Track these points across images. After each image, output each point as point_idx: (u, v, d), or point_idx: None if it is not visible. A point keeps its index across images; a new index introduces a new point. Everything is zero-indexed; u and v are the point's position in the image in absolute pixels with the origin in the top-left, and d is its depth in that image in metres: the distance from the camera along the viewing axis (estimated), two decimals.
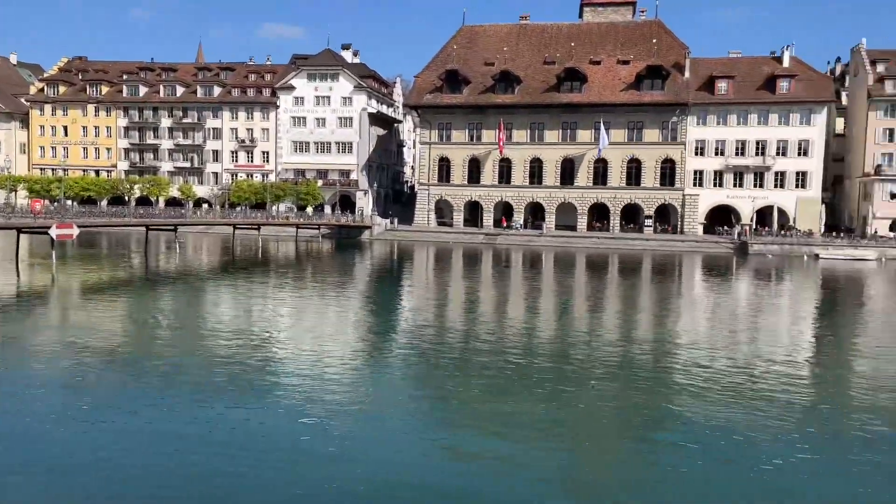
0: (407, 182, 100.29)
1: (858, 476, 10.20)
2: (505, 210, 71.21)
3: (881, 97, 66.33)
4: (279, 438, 11.21)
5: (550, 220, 69.22)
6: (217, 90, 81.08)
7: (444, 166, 72.25)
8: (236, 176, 79.95)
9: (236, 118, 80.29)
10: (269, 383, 14.53)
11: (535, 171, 70.33)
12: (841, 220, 69.88)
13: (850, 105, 72.79)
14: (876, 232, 63.18)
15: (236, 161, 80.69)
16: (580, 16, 76.61)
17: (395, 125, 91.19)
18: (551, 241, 63.94)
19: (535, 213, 71.10)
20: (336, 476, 9.80)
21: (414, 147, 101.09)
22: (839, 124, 74.61)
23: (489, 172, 70.90)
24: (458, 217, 71.71)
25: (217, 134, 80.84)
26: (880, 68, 67.82)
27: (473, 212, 72.10)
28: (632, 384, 15.35)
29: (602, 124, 66.80)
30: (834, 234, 63.56)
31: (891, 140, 66.44)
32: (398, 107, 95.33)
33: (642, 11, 74.75)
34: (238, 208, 72.53)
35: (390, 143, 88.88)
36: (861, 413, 13.48)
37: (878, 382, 16.32)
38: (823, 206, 65.94)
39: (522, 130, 70.23)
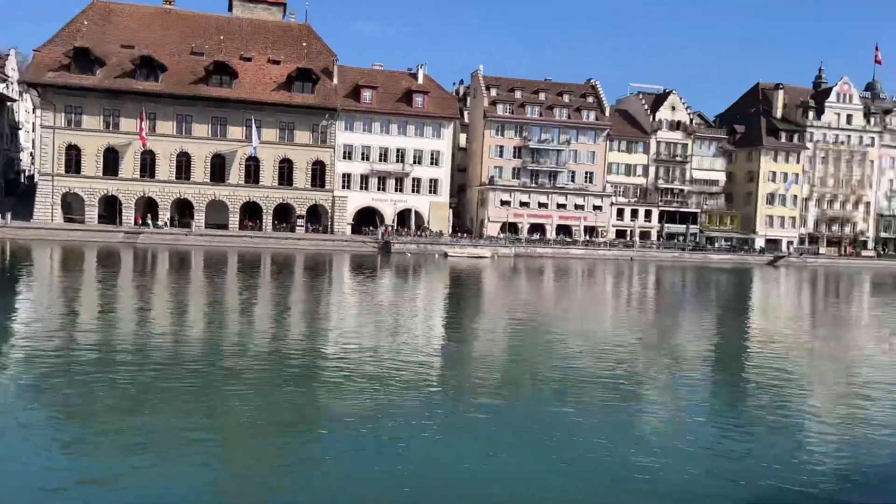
0: (24, 171, 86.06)
1: (480, 444, 11.98)
2: (148, 206, 65.75)
3: (494, 118, 78.14)
4: None
5: (200, 219, 66.08)
6: None
7: (74, 155, 63.83)
8: None
9: None
10: None
11: (183, 166, 66.48)
12: (464, 222, 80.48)
13: (470, 123, 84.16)
14: (498, 233, 74.13)
15: None
16: (230, 9, 74.67)
17: (9, 104, 77.53)
18: (201, 241, 61.07)
19: (183, 210, 67.16)
20: None
21: (34, 131, 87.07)
22: (463, 139, 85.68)
23: (129, 165, 64.79)
24: (92, 213, 64.00)
25: None
26: (494, 93, 79.83)
27: (110, 208, 65.05)
28: (278, 383, 15.55)
29: (254, 122, 66.09)
30: (459, 234, 72.95)
31: (501, 155, 78.67)
32: (13, 83, 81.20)
33: (292, 14, 75.91)
34: None
35: (1, 125, 75.25)
36: (481, 388, 15.82)
37: (494, 360, 19.33)
38: (451, 210, 75.21)
39: (168, 122, 65.72)
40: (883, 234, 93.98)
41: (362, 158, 71.53)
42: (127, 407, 13.10)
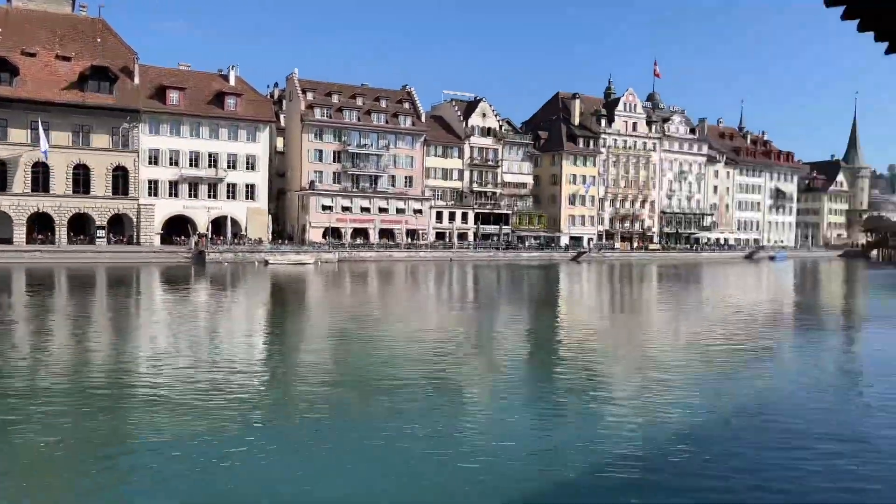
0: None
1: (303, 455, 11.93)
2: None
3: (312, 122, 77.22)
4: None
5: None
6: None
7: None
8: None
9: None
10: None
11: None
12: (285, 228, 78.64)
13: (287, 126, 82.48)
14: (320, 238, 73.15)
15: None
16: None
17: None
18: None
19: None
20: None
21: None
22: (280, 143, 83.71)
23: None
24: None
25: None
26: (310, 96, 78.86)
27: None
28: (79, 411, 14.37)
29: (41, 124, 59.66)
30: (280, 241, 71.18)
31: (320, 160, 77.95)
32: None
33: (83, 7, 69.58)
34: None
35: None
36: (302, 401, 15.70)
37: (317, 369, 19.22)
38: (270, 216, 73.16)
39: None
40: (666, 230, 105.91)
41: (171, 163, 67.32)
42: None
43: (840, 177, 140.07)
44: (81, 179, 63.07)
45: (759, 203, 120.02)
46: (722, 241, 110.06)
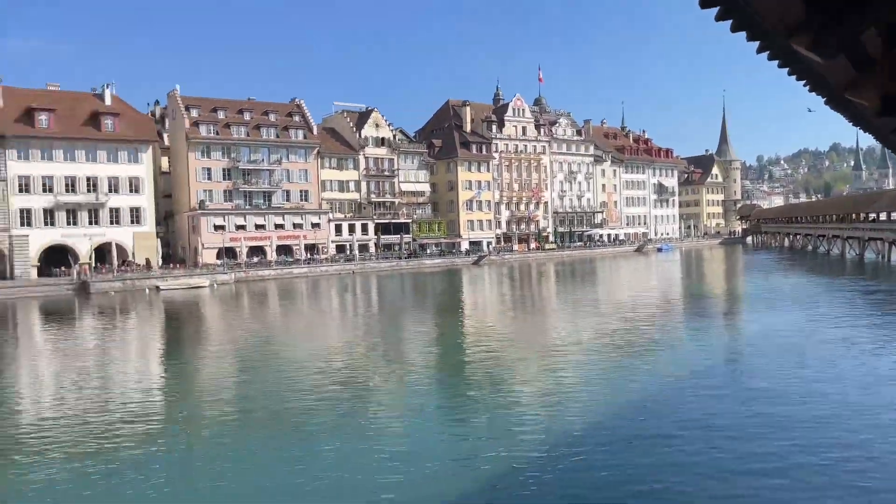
0: None
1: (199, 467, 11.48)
2: None
3: (197, 139, 74.41)
4: None
5: None
6: None
7: None
8: None
9: None
10: None
11: None
12: (175, 252, 75.29)
13: (172, 145, 79.07)
14: (215, 260, 70.41)
15: None
16: None
17: None
18: None
19: None
20: None
21: None
22: (165, 163, 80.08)
23: None
24: None
25: None
26: (195, 113, 76.02)
27: None
28: None
29: None
30: (171, 265, 68.03)
31: (209, 178, 75.23)
32: None
33: None
34: None
35: None
36: (202, 432, 15.10)
37: (215, 397, 18.52)
38: (159, 239, 69.80)
39: None
40: (560, 229, 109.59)
41: (44, 190, 62.89)
42: None
43: (714, 169, 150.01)
44: None
45: (644, 198, 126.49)
46: (613, 237, 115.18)
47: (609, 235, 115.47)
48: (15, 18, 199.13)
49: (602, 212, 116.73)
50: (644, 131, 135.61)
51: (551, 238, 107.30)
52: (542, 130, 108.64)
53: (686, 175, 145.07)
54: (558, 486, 10.81)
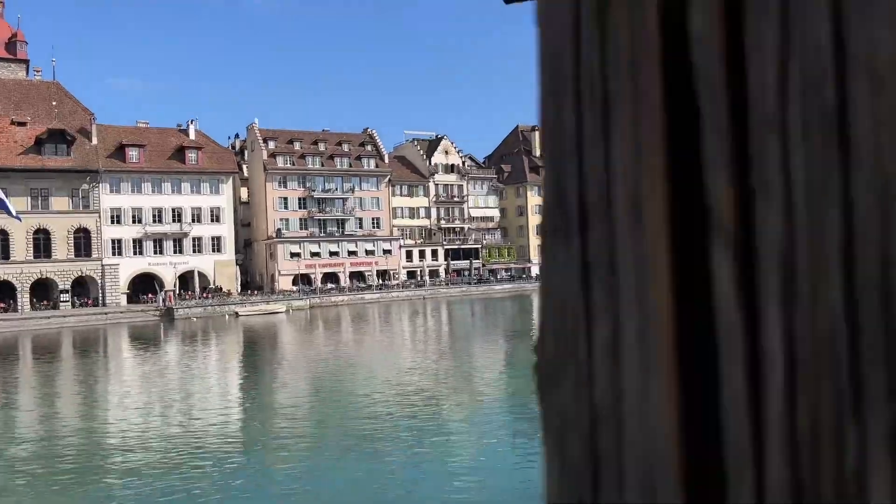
0: None
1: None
2: None
3: (275, 170, 77.18)
4: None
5: None
6: None
7: None
8: None
9: None
10: None
11: None
12: (253, 279, 77.88)
13: (250, 176, 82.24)
14: (291, 286, 72.42)
15: None
16: None
17: None
18: None
19: None
20: None
21: None
22: (244, 193, 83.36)
23: None
24: None
25: None
26: (272, 145, 78.99)
27: None
28: (58, 480, 13.97)
29: (1, 191, 58.59)
30: (249, 292, 70.38)
31: (286, 207, 77.74)
32: None
33: (37, 71, 69.26)
34: None
35: None
36: (283, 450, 15.47)
37: (295, 419, 18.95)
38: (238, 267, 72.41)
39: None
40: None
41: (134, 221, 66.47)
42: None
43: None
44: (42, 244, 61.92)
45: None
46: None
47: None
48: (113, 61, 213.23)
49: None
50: None
51: None
52: None
53: None
54: None
